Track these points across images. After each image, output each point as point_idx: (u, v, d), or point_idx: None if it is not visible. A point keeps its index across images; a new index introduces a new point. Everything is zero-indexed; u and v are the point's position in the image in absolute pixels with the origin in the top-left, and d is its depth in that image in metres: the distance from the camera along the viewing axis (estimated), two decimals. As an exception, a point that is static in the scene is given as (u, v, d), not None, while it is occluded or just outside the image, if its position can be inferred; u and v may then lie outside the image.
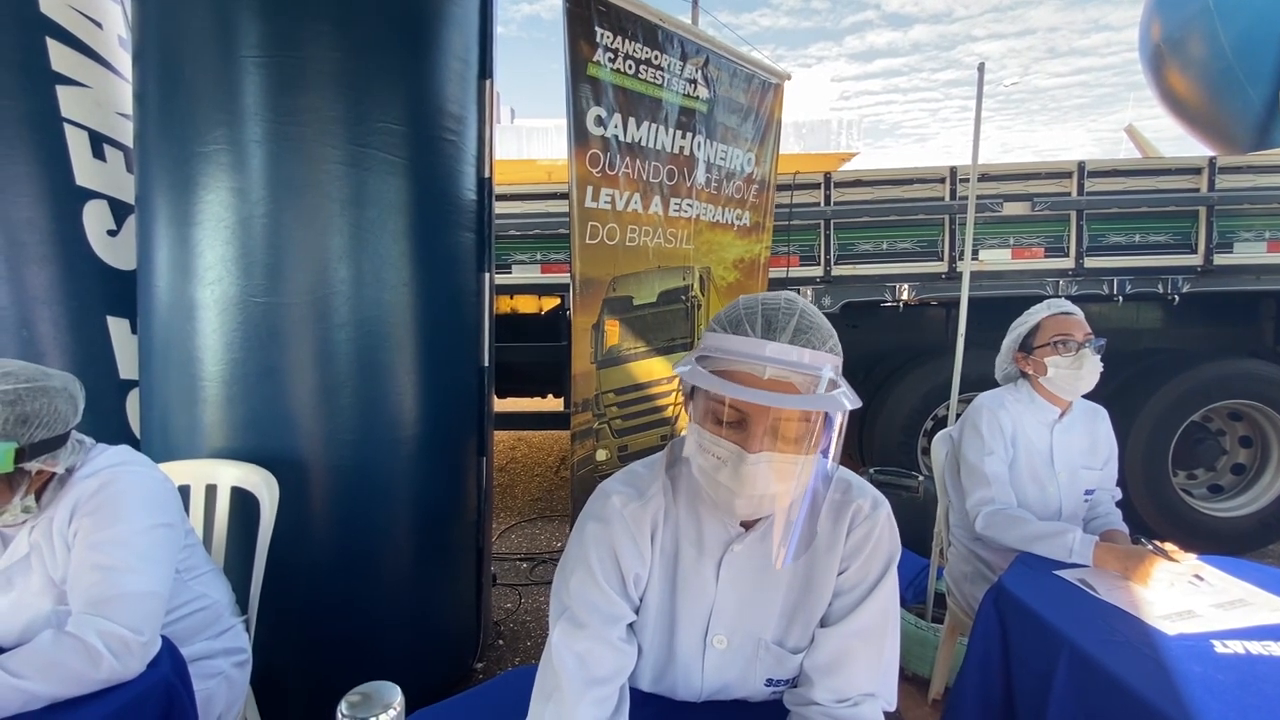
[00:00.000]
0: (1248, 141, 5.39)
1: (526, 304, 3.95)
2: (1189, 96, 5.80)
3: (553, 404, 4.15)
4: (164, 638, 1.05)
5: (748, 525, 0.84)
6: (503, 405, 3.95)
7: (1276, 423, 3.08)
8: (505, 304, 3.84)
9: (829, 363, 0.72)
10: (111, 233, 2.00)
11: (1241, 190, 2.99)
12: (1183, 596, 1.24)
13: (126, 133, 2.00)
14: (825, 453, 0.76)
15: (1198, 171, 3.02)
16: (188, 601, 1.18)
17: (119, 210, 2.01)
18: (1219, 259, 3.02)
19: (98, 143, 1.98)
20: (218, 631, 1.24)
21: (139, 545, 1.04)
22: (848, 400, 0.69)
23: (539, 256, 3.23)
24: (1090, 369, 1.58)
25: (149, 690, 0.97)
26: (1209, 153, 5.85)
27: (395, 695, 0.59)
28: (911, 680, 2.07)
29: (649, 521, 0.84)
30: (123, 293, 1.91)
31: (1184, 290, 3.03)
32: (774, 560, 0.81)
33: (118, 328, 2.00)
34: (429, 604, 1.86)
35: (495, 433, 2.51)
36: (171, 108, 1.61)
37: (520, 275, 3.24)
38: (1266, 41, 5.06)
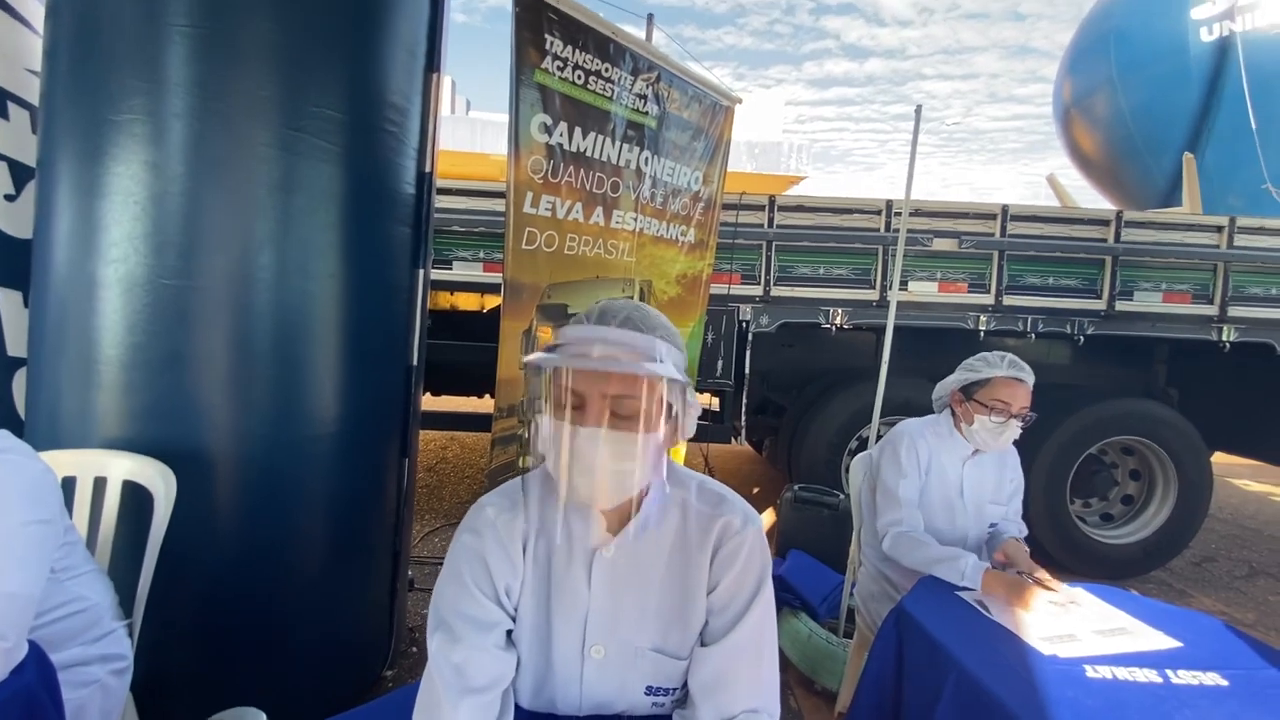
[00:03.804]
0: (1150, 205, 5.87)
1: (468, 301, 3.87)
2: (1094, 156, 6.28)
3: (489, 404, 4.08)
4: (32, 643, 0.97)
5: (614, 531, 0.86)
6: (437, 403, 3.87)
7: (1163, 459, 3.35)
8: (445, 300, 3.75)
9: (660, 345, 0.77)
10: (9, 197, 1.85)
11: (1144, 244, 3.25)
12: (1067, 620, 1.33)
13: (34, 91, 1.85)
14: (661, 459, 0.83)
15: (1106, 223, 3.26)
16: (63, 604, 1.09)
17: (19, 173, 1.86)
18: (1120, 305, 3.26)
19: (1, 99, 1.83)
20: (95, 637, 1.15)
21: (10, 543, 0.96)
22: (664, 370, 0.75)
23: (481, 254, 3.18)
24: (1008, 436, 1.67)
25: (9, 700, 0.89)
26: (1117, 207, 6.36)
27: None
28: (821, 694, 2.13)
29: (520, 533, 0.85)
30: (17, 263, 1.77)
31: (1088, 332, 3.26)
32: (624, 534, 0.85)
33: (9, 300, 1.85)
34: (337, 608, 1.79)
35: (428, 432, 2.45)
36: (84, 70, 1.51)
37: (461, 272, 3.18)
38: (1166, 114, 5.52)
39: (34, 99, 1.86)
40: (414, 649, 2.29)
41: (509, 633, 0.85)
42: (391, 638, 2.04)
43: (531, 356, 0.79)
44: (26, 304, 1.78)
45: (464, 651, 0.79)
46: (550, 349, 0.80)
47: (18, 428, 1.58)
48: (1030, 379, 1.66)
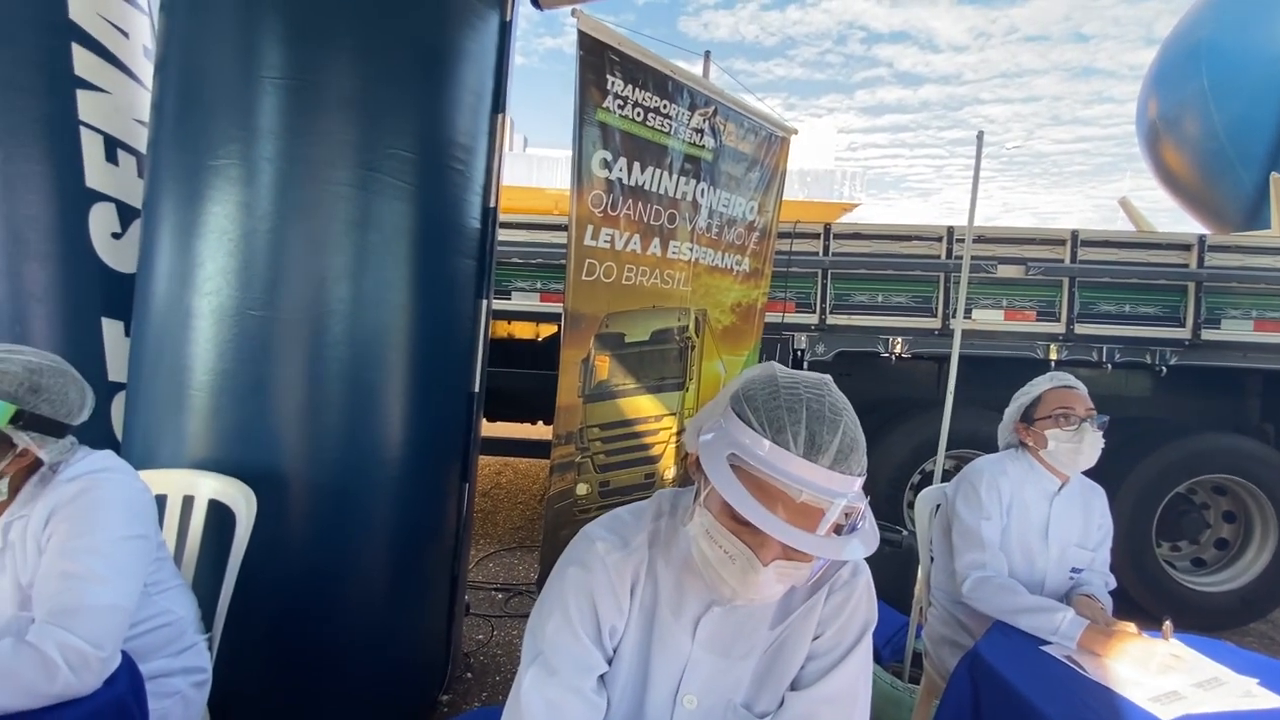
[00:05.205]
0: (1237, 221, 5.53)
1: (524, 330, 3.97)
2: (1182, 173, 5.98)
3: (542, 431, 4.13)
4: (124, 654, 1.03)
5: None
6: (492, 429, 3.95)
7: (1260, 500, 3.08)
8: (502, 329, 3.85)
9: (858, 487, 0.71)
10: (116, 235, 2.02)
11: (1230, 269, 3.05)
12: (1170, 678, 1.22)
13: (142, 138, 2.03)
14: None
15: (1188, 248, 3.08)
16: (151, 617, 1.16)
17: (125, 214, 2.03)
18: (1206, 334, 3.06)
19: (112, 147, 2.02)
20: (178, 649, 1.21)
21: (111, 556, 1.03)
22: (872, 538, 0.71)
23: (539, 285, 3.25)
24: (1091, 444, 1.57)
25: (102, 708, 0.94)
26: (1200, 228, 6.00)
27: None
28: (884, 742, 2.03)
29: (630, 574, 0.83)
30: (121, 295, 1.92)
31: (1171, 362, 3.07)
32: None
33: (112, 330, 2.00)
34: (398, 631, 1.82)
35: (481, 457, 2.51)
36: (187, 120, 1.65)
37: (519, 302, 3.26)
38: (1259, 125, 5.24)
39: (141, 146, 2.04)
40: (468, 674, 2.31)
41: (601, 676, 0.84)
42: (448, 662, 2.06)
43: (721, 475, 0.69)
44: (127, 333, 1.93)
45: (559, 690, 0.78)
46: (745, 448, 0.70)
47: (114, 448, 1.69)
48: (1081, 387, 1.63)
